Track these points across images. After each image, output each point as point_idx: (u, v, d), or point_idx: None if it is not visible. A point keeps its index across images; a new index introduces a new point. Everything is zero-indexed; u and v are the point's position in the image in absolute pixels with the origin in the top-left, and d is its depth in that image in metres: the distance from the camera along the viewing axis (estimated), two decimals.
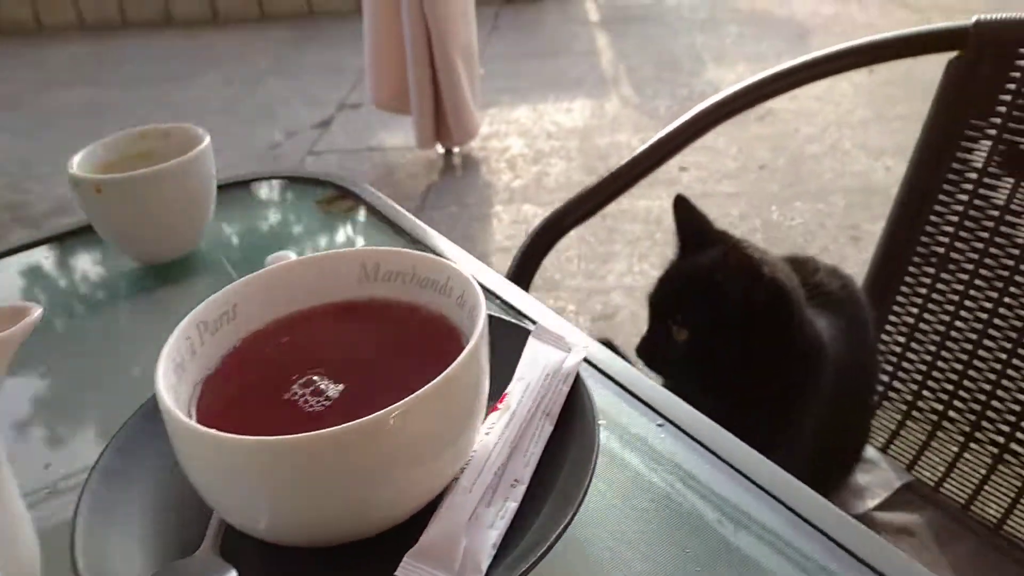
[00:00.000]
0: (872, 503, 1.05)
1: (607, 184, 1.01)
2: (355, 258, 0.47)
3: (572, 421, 0.45)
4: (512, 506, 0.42)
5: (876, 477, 1.09)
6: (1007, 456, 1.04)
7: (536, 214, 2.94)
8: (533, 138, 3.52)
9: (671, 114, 3.61)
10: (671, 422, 0.52)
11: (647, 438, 0.51)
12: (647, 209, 2.95)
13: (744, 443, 0.50)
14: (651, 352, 0.86)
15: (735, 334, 0.82)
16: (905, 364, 1.13)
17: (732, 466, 0.48)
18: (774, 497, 0.46)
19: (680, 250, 0.89)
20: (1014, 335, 1.02)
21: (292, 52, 4.68)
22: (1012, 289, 1.02)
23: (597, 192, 1.00)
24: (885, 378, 1.14)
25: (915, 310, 1.11)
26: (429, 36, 3.00)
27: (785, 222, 2.76)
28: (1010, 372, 1.03)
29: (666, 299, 0.85)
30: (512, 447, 0.43)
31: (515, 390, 0.46)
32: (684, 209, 0.90)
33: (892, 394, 1.14)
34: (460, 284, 0.44)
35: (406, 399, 0.37)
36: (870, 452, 1.12)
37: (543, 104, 3.82)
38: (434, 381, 0.37)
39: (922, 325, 1.11)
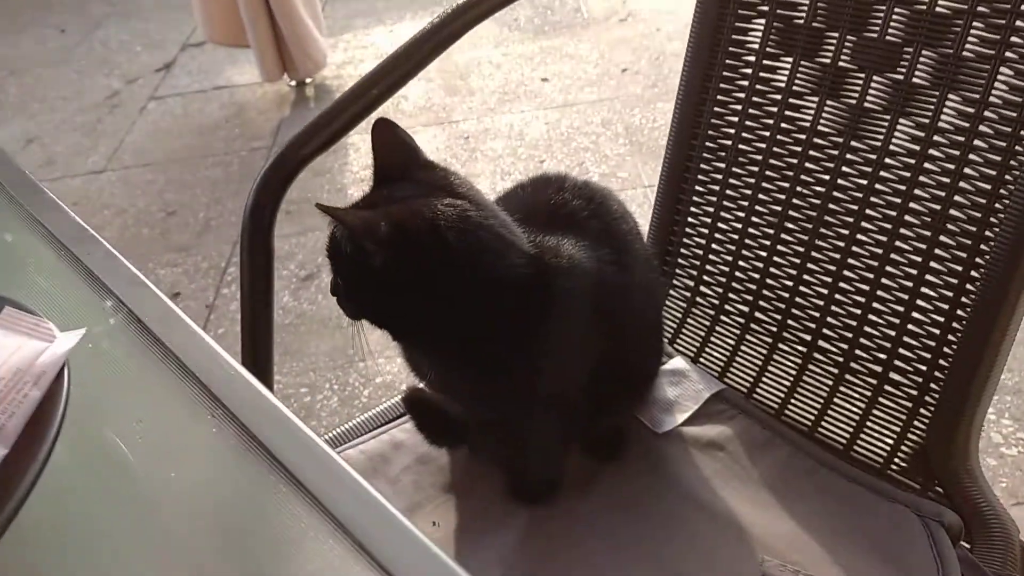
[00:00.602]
0: (681, 417, 0.99)
1: (338, 110, 0.88)
2: None
3: (34, 437, 0.34)
4: None
5: (685, 390, 1.02)
6: (816, 355, 0.98)
7: None
8: None
9: (533, 26, 3.47)
10: (226, 407, 0.42)
11: (196, 430, 0.41)
12: (509, 125, 2.84)
13: None
14: (335, 293, 0.75)
15: (371, 286, 0.72)
16: (709, 267, 1.05)
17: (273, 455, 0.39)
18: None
19: (374, 183, 0.76)
20: (810, 226, 0.96)
21: None
22: (804, 177, 0.95)
23: (327, 120, 0.87)
24: (691, 283, 1.07)
25: (711, 209, 1.04)
26: None
27: (647, 125, 2.68)
28: (810, 266, 0.97)
29: (329, 240, 0.74)
30: None
31: None
32: (385, 134, 0.76)
33: (699, 300, 1.07)
34: None
35: None
36: (679, 363, 1.05)
37: (399, 25, 3.63)
38: None
39: (720, 224, 1.03)
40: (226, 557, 0.39)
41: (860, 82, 0.88)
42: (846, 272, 0.93)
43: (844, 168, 0.90)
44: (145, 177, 2.85)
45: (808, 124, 0.92)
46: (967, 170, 0.81)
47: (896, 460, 0.91)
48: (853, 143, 0.89)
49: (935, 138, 0.83)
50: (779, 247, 0.98)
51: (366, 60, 3.36)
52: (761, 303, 1.01)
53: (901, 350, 0.90)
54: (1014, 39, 0.78)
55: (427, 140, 2.78)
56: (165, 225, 2.58)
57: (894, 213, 0.87)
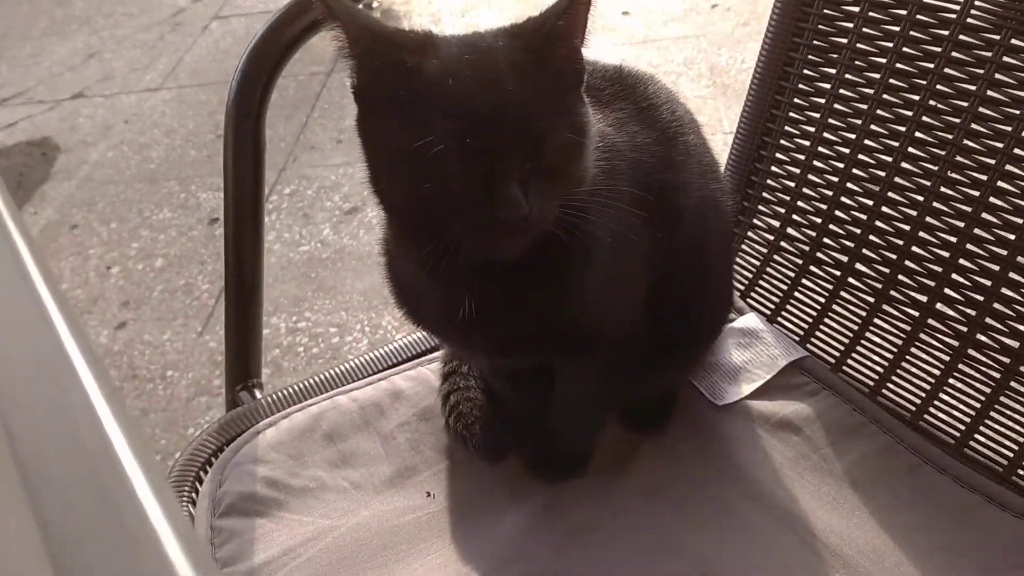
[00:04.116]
0: (748, 388, 0.80)
1: None
2: None
3: None
4: None
5: (757, 354, 0.83)
6: (931, 321, 0.78)
7: None
8: None
9: None
10: None
11: None
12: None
13: None
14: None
15: None
16: (800, 205, 0.86)
17: None
18: None
19: None
20: (935, 167, 0.75)
21: None
22: (932, 103, 0.74)
23: None
24: (775, 224, 0.87)
25: (807, 143, 0.83)
26: None
27: (735, 66, 2.43)
28: (929, 220, 0.76)
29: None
30: None
31: None
32: None
33: (784, 245, 0.87)
34: None
35: None
36: (752, 321, 0.86)
37: None
38: None
39: (816, 163, 0.83)
40: None
41: None
42: (976, 227, 0.72)
43: (990, 91, 0.68)
44: (199, 97, 2.74)
45: (947, 34, 0.71)
46: None
47: None
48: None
49: None
50: (893, 186, 0.77)
51: None
52: (865, 252, 0.80)
53: None
54: None
55: None
56: (213, 148, 2.46)
57: None
